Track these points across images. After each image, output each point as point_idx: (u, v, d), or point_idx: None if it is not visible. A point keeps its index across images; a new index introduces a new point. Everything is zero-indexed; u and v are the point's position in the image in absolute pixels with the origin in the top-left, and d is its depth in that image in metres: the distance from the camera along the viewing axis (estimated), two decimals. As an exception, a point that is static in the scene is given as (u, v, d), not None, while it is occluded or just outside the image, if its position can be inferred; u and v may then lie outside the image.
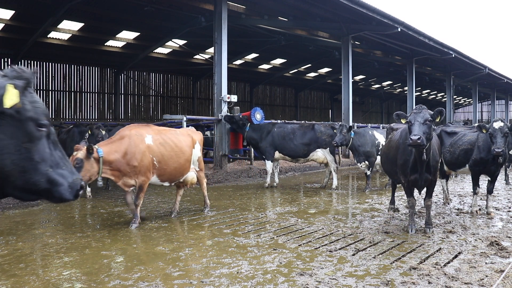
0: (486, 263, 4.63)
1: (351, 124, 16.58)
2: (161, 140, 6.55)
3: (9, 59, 20.47)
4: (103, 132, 9.60)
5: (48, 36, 18.33)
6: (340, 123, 11.42)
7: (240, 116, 11.52)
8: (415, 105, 23.12)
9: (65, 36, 18.74)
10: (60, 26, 17.40)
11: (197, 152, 7.34)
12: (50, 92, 22.26)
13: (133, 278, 4.16)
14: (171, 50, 22.31)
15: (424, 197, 6.39)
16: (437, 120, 5.71)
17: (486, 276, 4.21)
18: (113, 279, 4.16)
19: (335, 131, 10.14)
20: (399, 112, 6.01)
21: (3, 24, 16.36)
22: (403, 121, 5.90)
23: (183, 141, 6.93)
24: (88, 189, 9.11)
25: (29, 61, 21.36)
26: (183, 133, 7.18)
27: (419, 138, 5.28)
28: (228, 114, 12.23)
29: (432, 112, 5.63)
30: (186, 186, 7.43)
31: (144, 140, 6.32)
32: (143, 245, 5.41)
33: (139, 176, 6.25)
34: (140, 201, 6.39)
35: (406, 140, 5.82)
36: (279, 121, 13.23)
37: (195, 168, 7.35)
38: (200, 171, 7.47)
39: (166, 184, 6.84)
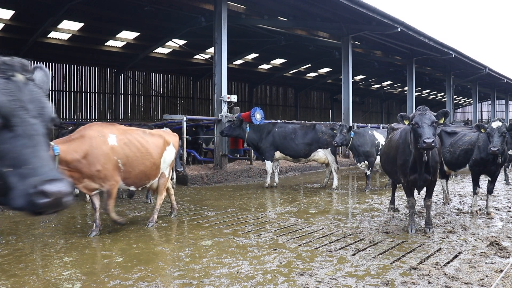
0: (486, 263, 4.63)
1: (351, 124, 16.58)
2: (126, 140, 6.02)
3: (9, 59, 20.42)
4: None
5: (48, 36, 18.32)
6: (340, 123, 11.42)
7: (239, 117, 11.50)
8: (415, 105, 23.19)
9: (65, 36, 18.73)
10: (60, 26, 17.38)
11: (170, 156, 6.75)
12: (50, 92, 22.18)
13: (133, 278, 4.17)
14: (171, 50, 22.30)
15: (424, 197, 6.39)
16: (441, 121, 5.72)
17: (486, 276, 4.21)
18: (113, 279, 4.16)
19: (335, 131, 10.13)
20: (403, 113, 5.98)
21: (3, 24, 16.35)
22: (406, 122, 5.87)
23: (151, 142, 6.38)
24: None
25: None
26: (152, 134, 6.62)
27: (433, 141, 5.32)
28: (227, 123, 12.11)
29: (435, 114, 5.63)
30: (152, 192, 6.88)
31: (107, 141, 5.81)
32: (143, 245, 5.41)
33: (106, 180, 5.73)
34: (111, 206, 5.91)
35: (411, 143, 5.80)
36: (279, 121, 13.23)
37: (166, 173, 6.76)
38: (166, 179, 6.82)
39: (133, 188, 6.37)
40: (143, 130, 6.61)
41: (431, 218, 6.22)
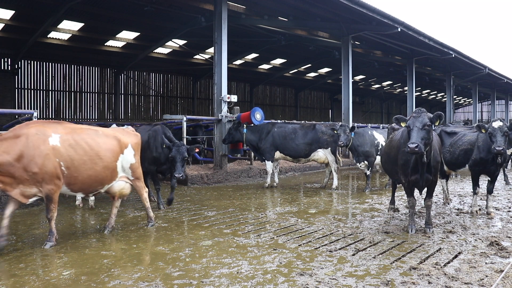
0: (486, 263, 4.63)
1: (351, 124, 16.57)
2: (72, 141, 5.38)
3: (9, 59, 20.45)
4: None
5: (48, 36, 18.33)
6: (340, 123, 11.40)
7: (234, 118, 11.48)
8: (415, 105, 23.18)
9: (65, 36, 18.73)
10: (60, 26, 17.40)
11: (129, 158, 6.12)
12: (50, 92, 22.25)
13: (133, 278, 4.17)
14: (171, 50, 22.31)
15: (424, 197, 6.39)
16: (437, 124, 5.72)
17: (486, 276, 4.22)
18: (113, 279, 4.16)
19: (336, 132, 10.09)
20: (398, 116, 5.99)
21: (3, 24, 16.36)
22: (403, 124, 5.87)
23: (102, 144, 5.73)
24: (92, 197, 7.98)
25: (29, 61, 21.35)
26: (106, 134, 5.94)
27: (416, 146, 5.31)
28: (227, 123, 12.22)
29: (431, 116, 5.62)
30: (113, 199, 6.22)
31: (47, 141, 5.16)
32: (143, 245, 5.41)
33: (44, 184, 5.11)
34: (52, 213, 5.27)
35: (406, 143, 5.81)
36: (279, 121, 13.23)
37: (128, 177, 6.17)
38: (135, 180, 6.27)
39: (81, 195, 5.75)
40: (95, 129, 5.94)
41: (431, 218, 6.23)
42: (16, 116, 13.26)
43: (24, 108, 20.52)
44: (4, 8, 14.93)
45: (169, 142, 7.66)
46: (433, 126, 5.63)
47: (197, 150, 8.10)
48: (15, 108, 19.58)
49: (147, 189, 6.59)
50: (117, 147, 5.95)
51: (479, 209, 7.51)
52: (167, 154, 7.64)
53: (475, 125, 7.27)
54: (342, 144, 9.84)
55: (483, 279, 4.14)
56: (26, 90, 21.47)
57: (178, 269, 4.45)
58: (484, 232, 6.03)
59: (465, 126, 9.74)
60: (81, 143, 5.49)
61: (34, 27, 16.67)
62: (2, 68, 20.29)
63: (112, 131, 6.19)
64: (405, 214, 7.27)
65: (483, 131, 6.99)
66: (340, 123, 10.94)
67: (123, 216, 7.27)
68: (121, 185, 6.11)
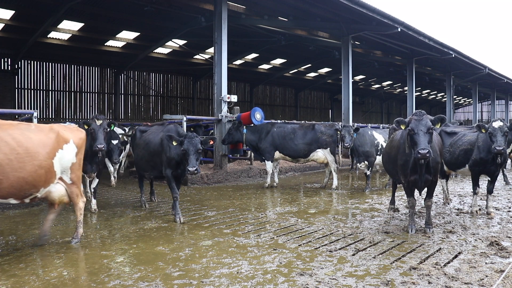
0: (486, 263, 4.63)
1: (351, 124, 16.57)
2: None
3: (9, 59, 20.45)
4: (100, 122, 7.35)
5: (48, 36, 18.33)
6: (343, 124, 11.38)
7: (234, 118, 11.46)
8: (415, 105, 23.16)
9: (65, 36, 18.73)
10: (60, 26, 17.39)
11: (68, 156, 5.31)
12: (50, 92, 22.24)
13: (133, 278, 4.17)
14: (171, 50, 22.31)
15: (424, 197, 6.39)
16: (438, 126, 5.73)
17: (486, 276, 4.22)
18: (113, 279, 4.16)
19: (341, 133, 10.06)
20: (399, 119, 5.97)
21: (3, 24, 16.35)
22: (402, 126, 5.88)
23: (35, 139, 4.96)
24: (94, 201, 7.71)
25: (29, 61, 21.34)
26: (41, 129, 5.18)
27: (428, 152, 5.32)
28: (227, 123, 12.23)
29: (432, 118, 5.63)
30: (53, 206, 5.43)
31: None
32: (143, 245, 5.41)
33: None
34: None
35: (407, 146, 5.79)
36: (278, 121, 13.23)
37: (66, 179, 5.32)
38: (72, 185, 5.39)
39: (12, 201, 4.91)
40: (28, 124, 5.20)
41: (431, 218, 6.23)
42: (16, 116, 13.25)
43: (24, 108, 20.51)
44: (4, 8, 14.92)
45: (179, 138, 6.70)
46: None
47: (211, 142, 7.37)
48: (15, 108, 19.57)
49: (84, 199, 5.70)
50: (54, 142, 5.18)
51: (479, 209, 7.50)
52: (181, 153, 6.71)
53: (475, 125, 7.26)
54: (348, 146, 9.84)
55: (483, 279, 4.14)
56: (26, 90, 21.46)
57: (178, 269, 4.46)
58: (484, 232, 6.03)
59: (461, 126, 9.72)
60: (7, 139, 4.74)
61: (34, 27, 16.67)
62: (2, 68, 20.29)
63: (48, 125, 5.42)
64: (405, 214, 7.27)
65: (483, 131, 6.98)
66: (343, 124, 10.92)
67: (123, 215, 7.27)
68: (60, 190, 5.33)
